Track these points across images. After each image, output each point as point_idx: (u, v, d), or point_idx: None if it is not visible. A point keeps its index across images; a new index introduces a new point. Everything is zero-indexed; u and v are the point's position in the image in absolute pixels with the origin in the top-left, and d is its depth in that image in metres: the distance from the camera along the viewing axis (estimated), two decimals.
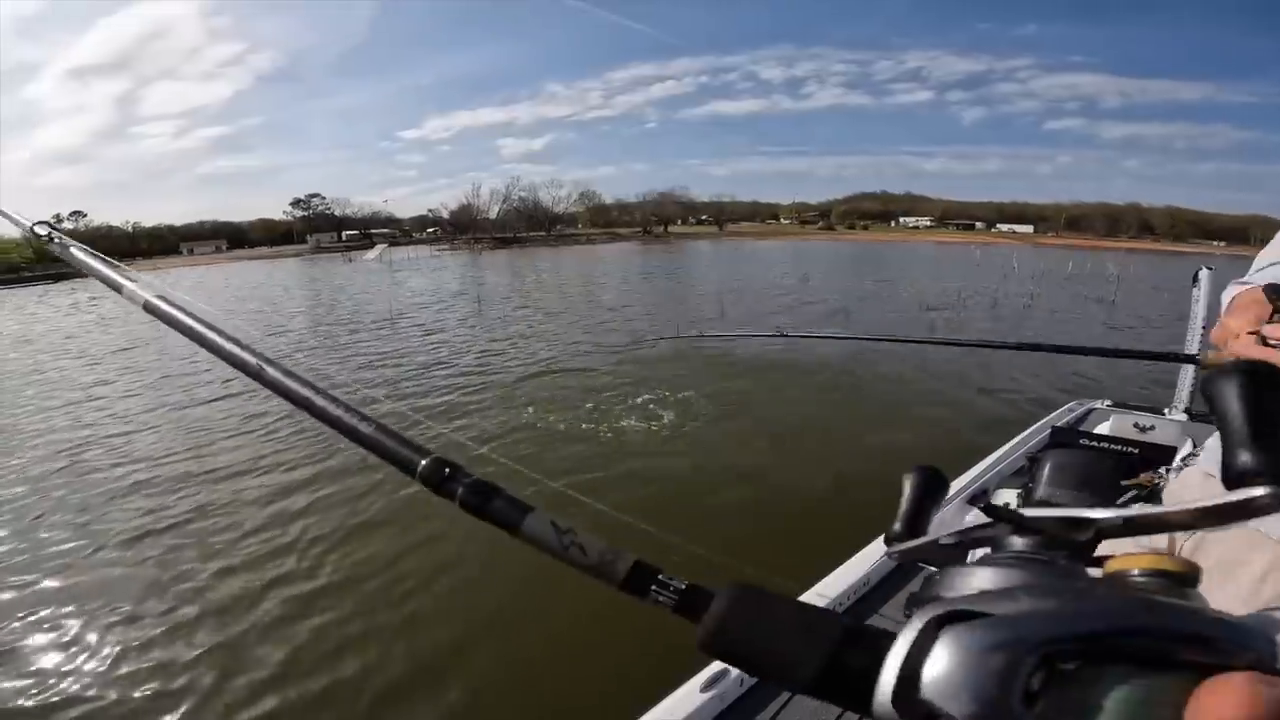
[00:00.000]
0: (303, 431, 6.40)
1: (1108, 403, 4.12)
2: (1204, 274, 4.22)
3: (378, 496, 4.91)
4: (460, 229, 79.39)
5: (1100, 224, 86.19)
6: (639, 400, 7.24)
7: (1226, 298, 0.96)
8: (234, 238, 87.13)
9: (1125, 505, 1.03)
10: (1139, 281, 24.29)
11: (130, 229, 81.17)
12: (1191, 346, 4.06)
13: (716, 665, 1.74)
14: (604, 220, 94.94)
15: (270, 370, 0.49)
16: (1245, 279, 0.97)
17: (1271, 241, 1.02)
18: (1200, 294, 4.17)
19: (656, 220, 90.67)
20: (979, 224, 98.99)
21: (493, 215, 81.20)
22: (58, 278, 47.67)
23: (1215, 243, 73.65)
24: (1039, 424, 3.62)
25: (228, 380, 8.46)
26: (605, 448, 5.89)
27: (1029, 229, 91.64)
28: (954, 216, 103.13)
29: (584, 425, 6.45)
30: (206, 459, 5.97)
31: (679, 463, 5.48)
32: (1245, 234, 72.81)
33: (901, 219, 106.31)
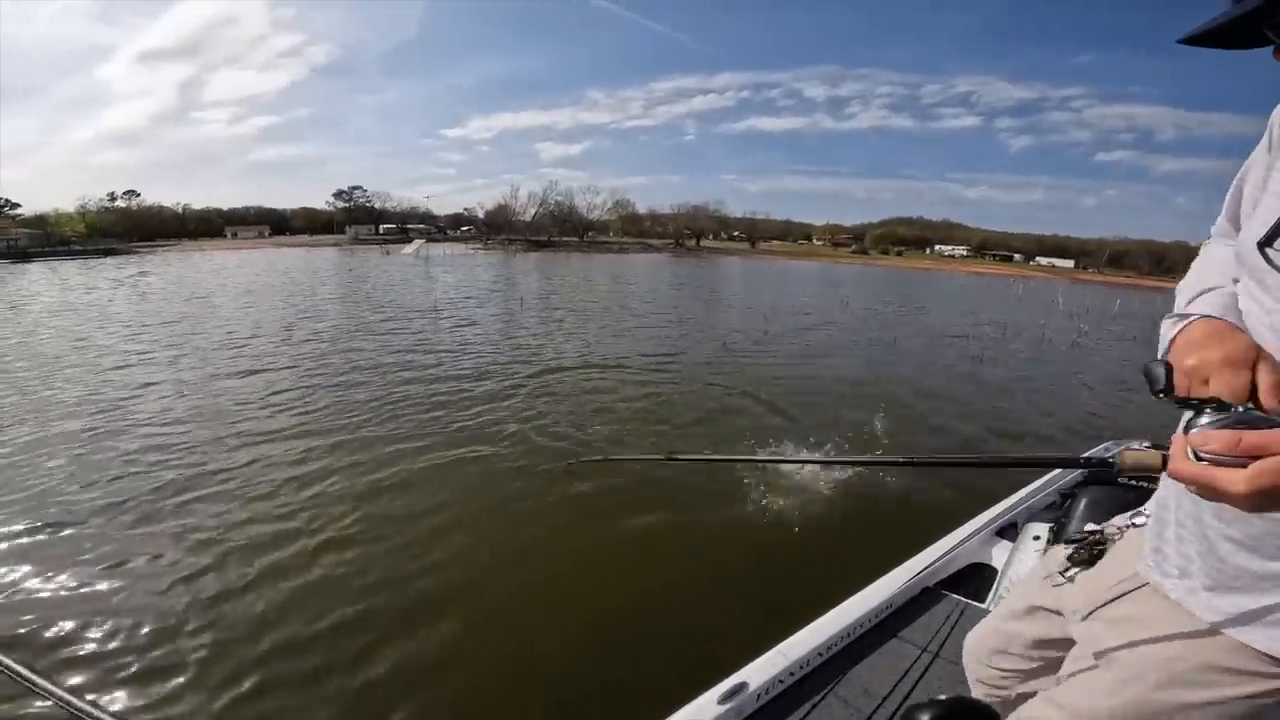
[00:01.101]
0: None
1: (1146, 444, 3.99)
2: None
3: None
4: (495, 229, 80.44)
5: (1144, 261, 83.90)
6: None
7: (1166, 333, 0.80)
8: (277, 224, 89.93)
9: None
10: None
11: (180, 210, 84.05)
12: None
13: (736, 678, 1.76)
14: (635, 229, 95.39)
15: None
16: (1177, 312, 0.83)
17: (1193, 264, 0.91)
18: None
19: (689, 233, 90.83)
20: (1017, 256, 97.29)
21: (528, 217, 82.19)
22: (106, 252, 49.42)
23: None
24: None
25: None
26: None
27: (1069, 264, 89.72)
28: (992, 247, 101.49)
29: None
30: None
31: None
32: None
33: (937, 246, 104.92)
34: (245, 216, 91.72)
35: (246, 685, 2.81)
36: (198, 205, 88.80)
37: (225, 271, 29.96)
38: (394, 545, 4.04)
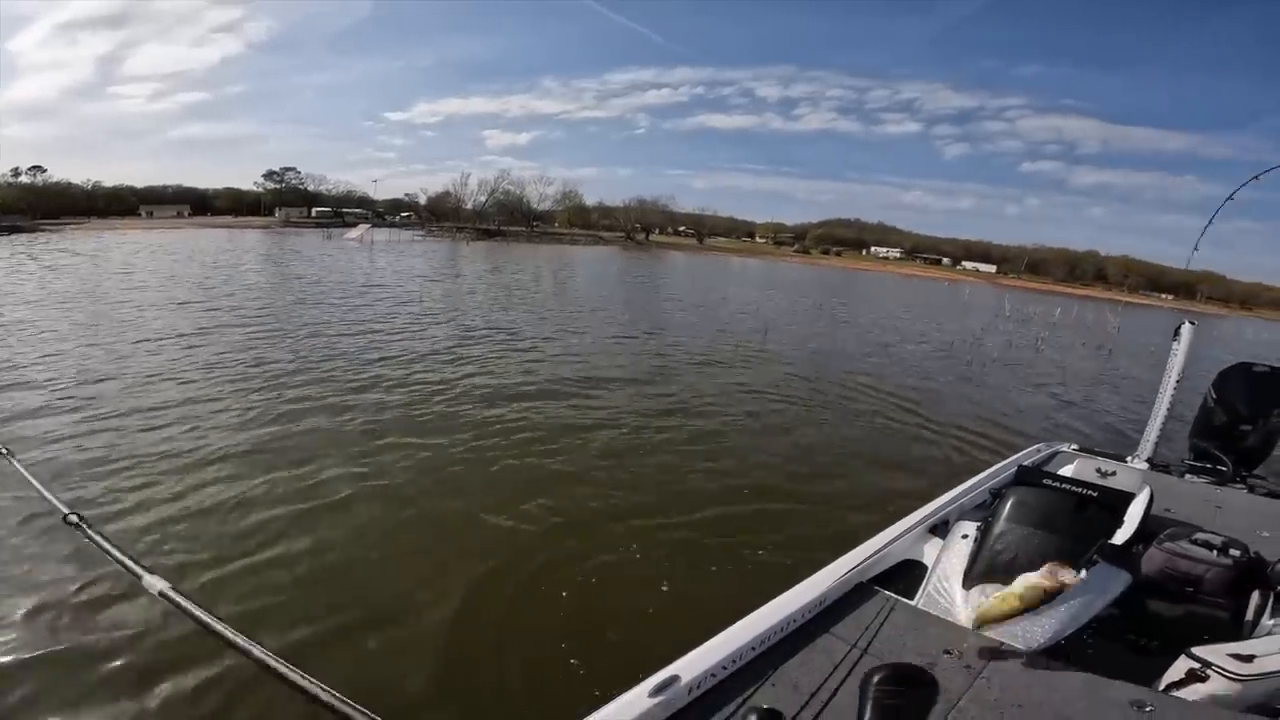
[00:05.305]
0: None
1: (1074, 446, 4.25)
2: (1185, 328, 4.55)
3: None
4: (438, 216, 78.29)
5: (1059, 269, 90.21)
6: None
7: None
8: (198, 204, 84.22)
9: None
10: (1125, 332, 25.79)
11: (89, 187, 77.51)
12: (1165, 399, 4.48)
13: (668, 671, 1.74)
14: (583, 221, 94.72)
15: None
16: None
17: None
18: (1180, 348, 4.51)
19: (639, 227, 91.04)
20: (945, 260, 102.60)
21: (474, 205, 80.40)
22: (11, 230, 45.26)
23: (1164, 296, 77.14)
24: (1004, 462, 3.67)
25: None
26: None
27: (992, 269, 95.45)
28: (923, 250, 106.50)
29: None
30: None
31: None
32: (1193, 290, 77.27)
33: (873, 249, 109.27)
34: (163, 195, 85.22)
35: None
36: (110, 183, 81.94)
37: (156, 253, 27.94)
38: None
